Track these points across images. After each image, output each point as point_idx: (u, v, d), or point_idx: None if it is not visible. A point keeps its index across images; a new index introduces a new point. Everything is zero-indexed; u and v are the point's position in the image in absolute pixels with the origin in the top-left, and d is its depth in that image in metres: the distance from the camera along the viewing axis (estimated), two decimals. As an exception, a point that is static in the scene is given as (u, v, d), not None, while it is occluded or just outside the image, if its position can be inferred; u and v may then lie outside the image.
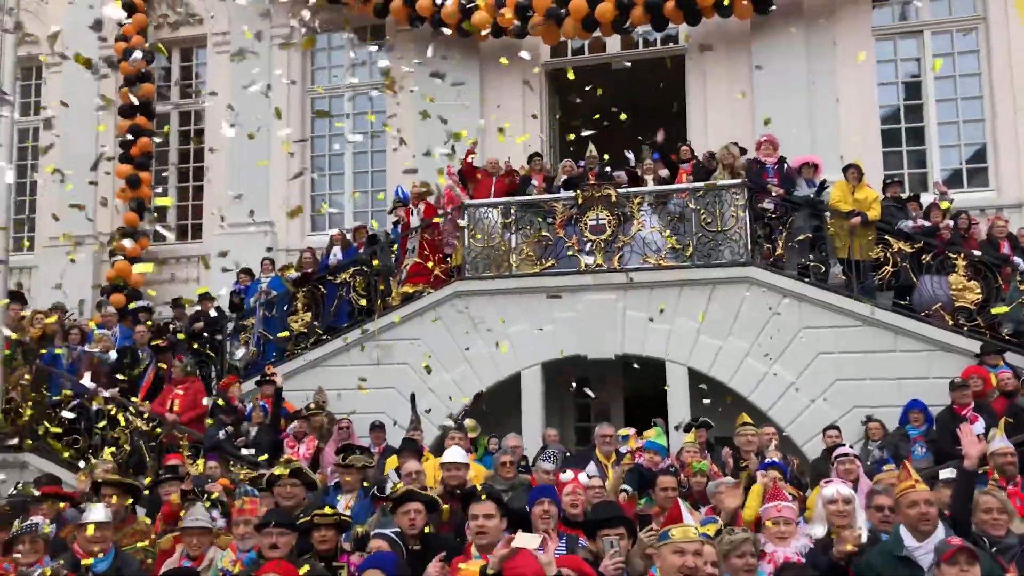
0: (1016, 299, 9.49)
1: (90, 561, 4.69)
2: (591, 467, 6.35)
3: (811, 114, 12.17)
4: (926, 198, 11.06)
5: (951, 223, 10.07)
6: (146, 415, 9.74)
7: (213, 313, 11.44)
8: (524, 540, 3.63)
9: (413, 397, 9.77)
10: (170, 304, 12.32)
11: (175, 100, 15.28)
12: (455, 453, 6.09)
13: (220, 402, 9.93)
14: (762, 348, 10.12)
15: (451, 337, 10.92)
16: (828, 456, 8.42)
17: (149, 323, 11.33)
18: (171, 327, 11.75)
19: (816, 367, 9.99)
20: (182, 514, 6.01)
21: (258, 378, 10.40)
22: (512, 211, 11.05)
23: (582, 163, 11.67)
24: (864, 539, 4.37)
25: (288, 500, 5.38)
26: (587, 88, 10.96)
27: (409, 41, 13.64)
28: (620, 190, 10.77)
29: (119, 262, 13.65)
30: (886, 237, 10.01)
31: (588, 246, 10.62)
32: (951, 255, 9.80)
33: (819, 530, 4.62)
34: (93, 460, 8.15)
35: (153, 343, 10.75)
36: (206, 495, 5.68)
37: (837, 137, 12.08)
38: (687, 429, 9.43)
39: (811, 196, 10.33)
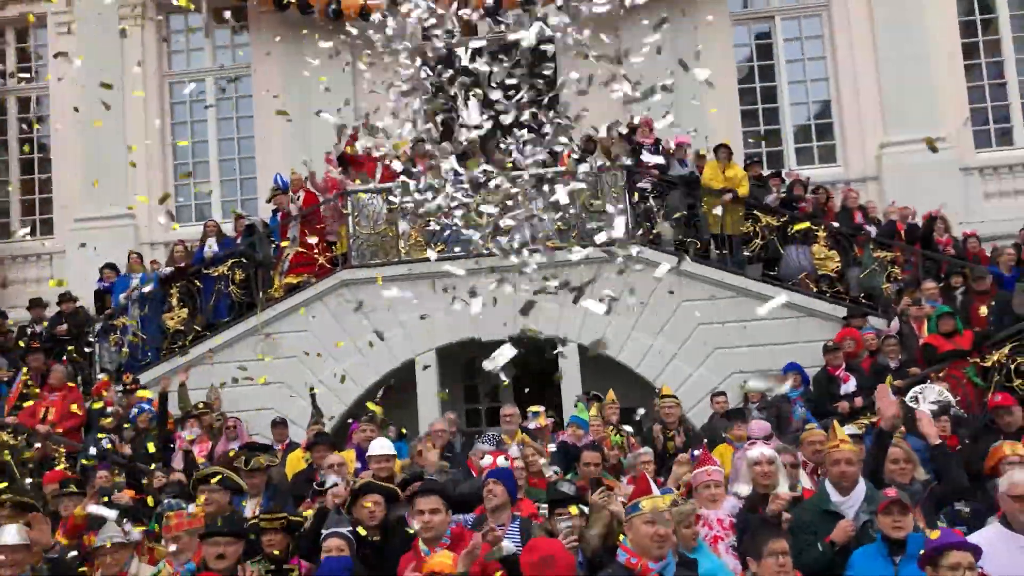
0: (870, 265, 10.37)
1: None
2: (514, 448, 6.47)
3: (677, 97, 12.67)
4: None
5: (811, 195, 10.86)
6: (10, 429, 9.02)
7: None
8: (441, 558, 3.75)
9: (313, 391, 9.57)
10: (27, 306, 11.41)
11: (12, 86, 14.09)
12: (382, 444, 6.05)
13: (97, 406, 9.35)
14: (646, 322, 10.58)
15: (340, 327, 10.74)
16: (716, 419, 9.01)
17: (3, 328, 10.47)
18: (28, 330, 10.94)
19: (696, 337, 10.55)
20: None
21: (121, 388, 9.84)
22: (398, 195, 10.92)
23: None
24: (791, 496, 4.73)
25: (210, 507, 5.19)
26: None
27: (272, 25, 13.18)
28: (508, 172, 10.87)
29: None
30: (755, 212, 10.65)
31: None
32: (813, 227, 10.57)
33: (744, 489, 4.95)
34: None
35: (21, 347, 9.95)
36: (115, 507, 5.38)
37: (705, 119, 12.67)
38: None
39: (685, 175, 10.84)
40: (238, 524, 4.41)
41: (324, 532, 4.39)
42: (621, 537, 3.70)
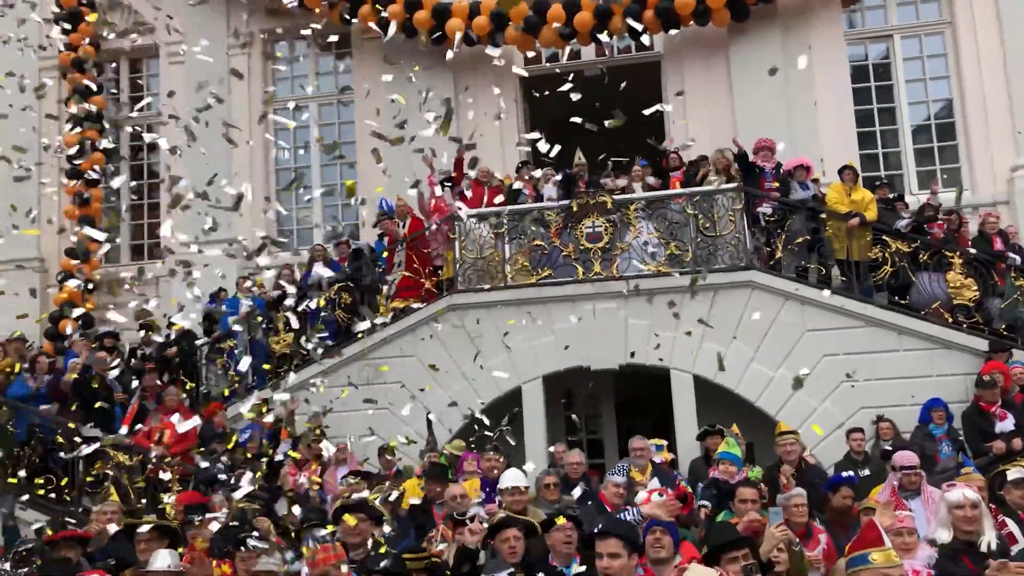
0: (1012, 295, 9.66)
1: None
2: (655, 481, 6.06)
3: (789, 116, 12.23)
4: (910, 200, 11.23)
5: (944, 223, 10.21)
6: (127, 448, 9.02)
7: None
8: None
9: (429, 419, 9.32)
10: (138, 327, 11.52)
11: (126, 113, 14.44)
12: (514, 476, 5.72)
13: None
14: (767, 352, 10.05)
15: (446, 352, 10.51)
16: (849, 460, 8.42)
17: (113, 349, 10.54)
18: (139, 352, 11.02)
19: (821, 369, 9.96)
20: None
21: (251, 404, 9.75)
22: (504, 220, 10.72)
23: (569, 170, 11.43)
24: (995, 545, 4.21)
25: (355, 537, 4.92)
26: (561, 89, 10.71)
27: (372, 51, 13.22)
28: (615, 196, 10.58)
29: (67, 286, 12.76)
30: (883, 237, 10.06)
31: (586, 255, 10.38)
32: (947, 253, 9.92)
33: (944, 535, 4.43)
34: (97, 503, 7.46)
35: (138, 367, 9.99)
36: (256, 533, 5.16)
37: (816, 139, 12.17)
38: (701, 438, 9.32)
39: (807, 199, 10.33)
40: (398, 564, 4.09)
41: None
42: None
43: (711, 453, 8.84)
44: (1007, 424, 7.90)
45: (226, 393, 10.66)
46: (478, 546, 4.41)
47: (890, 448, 8.64)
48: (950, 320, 9.72)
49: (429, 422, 9.31)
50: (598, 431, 12.31)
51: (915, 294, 9.96)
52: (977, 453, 8.00)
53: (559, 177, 10.77)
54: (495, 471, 7.08)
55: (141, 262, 13.83)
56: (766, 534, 4.33)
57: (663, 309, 10.15)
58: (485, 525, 4.58)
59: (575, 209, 10.48)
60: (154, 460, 8.74)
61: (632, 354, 10.14)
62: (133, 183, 13.99)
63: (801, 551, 4.41)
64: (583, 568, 4.19)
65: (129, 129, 14.21)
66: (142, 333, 11.38)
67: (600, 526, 3.99)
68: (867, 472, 7.90)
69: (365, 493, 5.73)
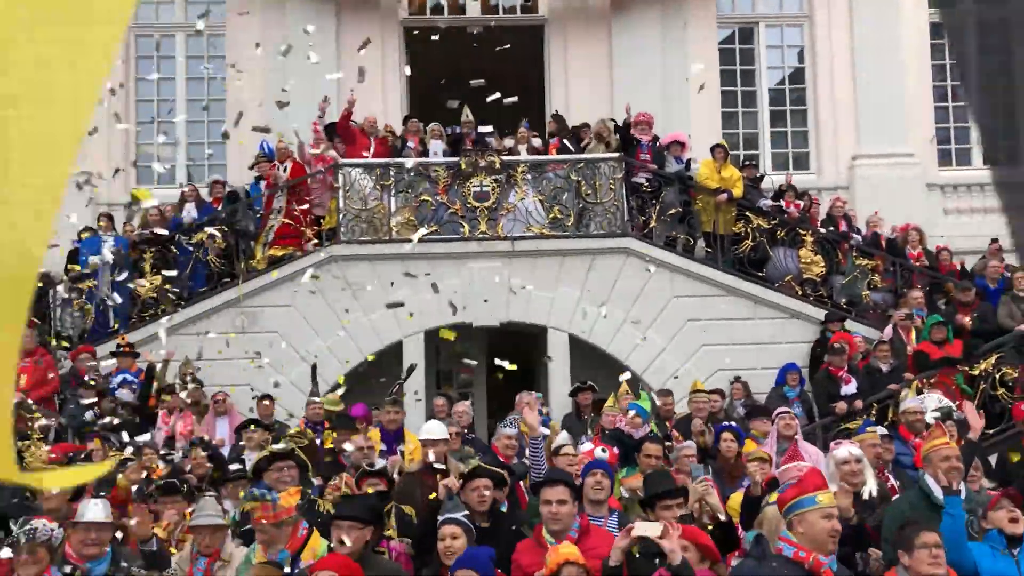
0: (852, 272, 10.73)
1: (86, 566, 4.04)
2: (563, 435, 6.39)
3: (664, 92, 12.81)
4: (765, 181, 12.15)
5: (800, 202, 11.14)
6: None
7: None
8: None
9: (314, 368, 9.22)
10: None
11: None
12: (434, 428, 5.87)
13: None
14: (636, 315, 10.65)
15: (326, 303, 10.40)
16: (711, 417, 9.14)
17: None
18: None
19: (684, 333, 10.69)
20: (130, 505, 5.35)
21: (113, 349, 9.29)
22: (391, 173, 10.67)
23: (456, 128, 11.49)
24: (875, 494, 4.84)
25: (284, 485, 4.92)
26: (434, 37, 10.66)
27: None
28: (503, 158, 10.76)
29: None
30: (747, 213, 10.86)
31: (473, 213, 10.54)
32: (800, 231, 10.85)
33: (832, 488, 5.01)
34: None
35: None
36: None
37: (687, 116, 12.83)
38: (573, 394, 9.80)
39: (681, 172, 10.94)
40: (362, 509, 4.15)
41: (440, 518, 4.21)
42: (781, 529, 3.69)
43: (582, 408, 9.38)
44: (850, 388, 8.87)
45: (83, 336, 10.08)
46: (450, 494, 4.52)
47: (745, 408, 9.50)
48: (799, 292, 10.68)
49: (314, 370, 9.22)
50: (470, 387, 12.61)
51: (771, 267, 10.85)
52: (823, 413, 8.93)
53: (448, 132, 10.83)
54: (394, 424, 7.19)
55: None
56: (690, 488, 4.75)
57: (544, 270, 10.53)
58: (453, 479, 4.69)
59: (464, 167, 10.58)
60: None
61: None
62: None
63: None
64: None
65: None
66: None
67: (547, 474, 4.25)
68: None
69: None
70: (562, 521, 4.11)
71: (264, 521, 4.23)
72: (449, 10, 13.46)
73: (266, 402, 8.95)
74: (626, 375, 8.54)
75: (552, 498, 4.15)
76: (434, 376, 12.62)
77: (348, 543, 3.90)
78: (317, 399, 8.63)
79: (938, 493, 4.50)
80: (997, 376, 8.83)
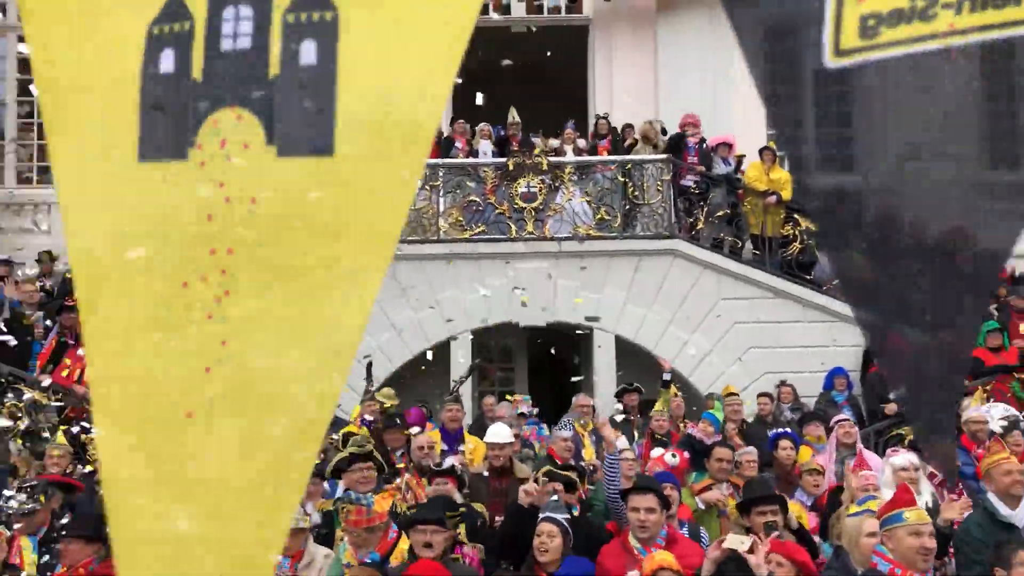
0: (901, 276, 10.64)
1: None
2: (623, 440, 6.43)
3: (714, 94, 12.75)
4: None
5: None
6: (44, 386, 8.51)
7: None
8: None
9: (369, 364, 9.29)
10: (37, 258, 10.76)
11: None
12: (500, 431, 5.92)
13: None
14: (683, 317, 10.65)
15: (376, 303, 10.47)
16: (760, 421, 9.14)
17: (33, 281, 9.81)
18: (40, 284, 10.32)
19: (732, 336, 10.68)
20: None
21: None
22: (439, 174, 10.74)
23: (501, 128, 11.52)
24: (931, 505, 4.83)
25: (364, 486, 5.00)
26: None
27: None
28: (550, 159, 10.80)
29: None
30: (795, 216, 10.81)
31: (520, 214, 10.59)
32: (847, 234, 10.77)
33: (888, 494, 5.00)
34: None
35: (55, 303, 9.33)
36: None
37: (732, 118, 12.77)
38: (619, 395, 9.81)
39: (729, 174, 10.92)
40: (441, 512, 4.21)
41: (540, 516, 4.22)
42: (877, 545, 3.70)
43: (628, 410, 9.37)
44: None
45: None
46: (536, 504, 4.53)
47: (793, 412, 9.47)
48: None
49: (369, 367, 9.28)
50: (511, 387, 12.69)
51: (819, 270, 10.80)
52: (872, 415, 8.88)
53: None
54: (455, 423, 7.25)
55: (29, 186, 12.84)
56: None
57: (591, 271, 10.56)
58: (546, 487, 4.70)
59: (511, 168, 10.62)
60: (77, 400, 8.31)
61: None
62: None
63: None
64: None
65: None
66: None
67: (637, 481, 4.28)
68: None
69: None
70: (650, 529, 4.15)
71: (358, 526, 4.31)
72: (493, 9, 13.48)
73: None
74: (667, 375, 8.55)
75: (641, 506, 4.19)
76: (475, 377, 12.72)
77: (435, 548, 3.97)
78: (374, 393, 8.68)
79: (1003, 511, 4.50)
80: (1054, 384, 8.74)
